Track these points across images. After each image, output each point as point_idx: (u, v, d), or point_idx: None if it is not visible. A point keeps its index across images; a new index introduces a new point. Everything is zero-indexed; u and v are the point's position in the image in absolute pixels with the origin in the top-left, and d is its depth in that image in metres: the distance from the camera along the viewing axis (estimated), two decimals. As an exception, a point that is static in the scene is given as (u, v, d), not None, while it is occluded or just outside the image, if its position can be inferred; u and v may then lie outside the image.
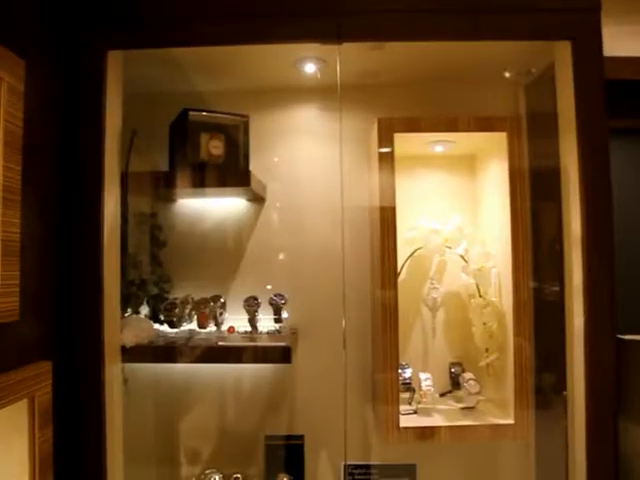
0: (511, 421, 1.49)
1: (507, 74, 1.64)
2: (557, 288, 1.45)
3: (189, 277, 1.72)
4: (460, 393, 1.64)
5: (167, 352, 1.47)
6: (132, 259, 1.67)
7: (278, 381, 1.73)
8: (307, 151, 1.77)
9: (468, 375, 1.57)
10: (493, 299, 1.57)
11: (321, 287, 1.72)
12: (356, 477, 1.71)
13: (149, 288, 1.64)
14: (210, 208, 1.76)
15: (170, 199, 1.74)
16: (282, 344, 1.45)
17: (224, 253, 1.77)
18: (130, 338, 1.44)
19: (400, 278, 1.61)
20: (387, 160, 1.49)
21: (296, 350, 1.71)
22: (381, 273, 1.48)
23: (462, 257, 1.62)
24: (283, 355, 1.42)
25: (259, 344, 1.46)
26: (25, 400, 1.17)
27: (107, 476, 1.43)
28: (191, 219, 1.77)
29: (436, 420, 1.53)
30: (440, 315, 1.70)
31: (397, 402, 1.50)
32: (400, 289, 1.50)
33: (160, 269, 1.71)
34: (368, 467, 1.71)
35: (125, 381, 1.71)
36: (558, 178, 1.39)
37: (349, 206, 1.66)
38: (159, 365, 1.73)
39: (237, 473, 1.63)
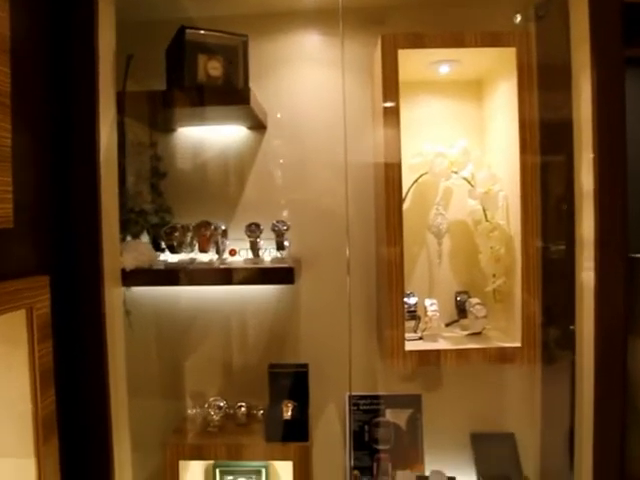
0: (518, 344, 1.46)
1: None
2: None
3: (190, 208, 1.69)
4: (466, 322, 1.62)
5: (168, 275, 1.45)
6: (132, 188, 1.64)
7: (282, 311, 1.71)
8: (309, 79, 1.72)
9: (474, 300, 1.54)
10: (500, 222, 1.52)
11: (324, 217, 1.69)
12: (361, 407, 1.70)
13: (149, 217, 1.61)
14: (210, 138, 1.72)
15: (169, 128, 1.70)
16: (285, 265, 1.42)
17: (225, 184, 1.73)
18: (130, 261, 1.41)
19: (405, 207, 1.57)
20: (392, 114, 1.43)
21: (299, 280, 1.68)
22: (386, 205, 1.44)
23: (468, 181, 1.57)
24: (286, 276, 1.39)
25: (261, 266, 1.43)
26: (23, 312, 1.15)
27: (110, 398, 1.43)
28: (191, 149, 1.73)
29: (442, 345, 1.50)
30: (446, 244, 1.66)
31: (402, 327, 1.47)
32: (405, 218, 1.46)
33: (160, 199, 1.68)
34: (374, 397, 1.70)
35: (128, 313, 1.70)
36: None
37: (352, 134, 1.62)
38: (162, 297, 1.72)
39: (241, 402, 1.61)
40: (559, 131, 1.46)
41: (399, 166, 1.44)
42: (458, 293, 1.65)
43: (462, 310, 1.62)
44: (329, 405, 1.71)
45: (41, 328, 1.18)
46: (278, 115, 1.70)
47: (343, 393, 1.70)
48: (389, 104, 1.44)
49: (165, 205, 1.66)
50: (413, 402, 1.71)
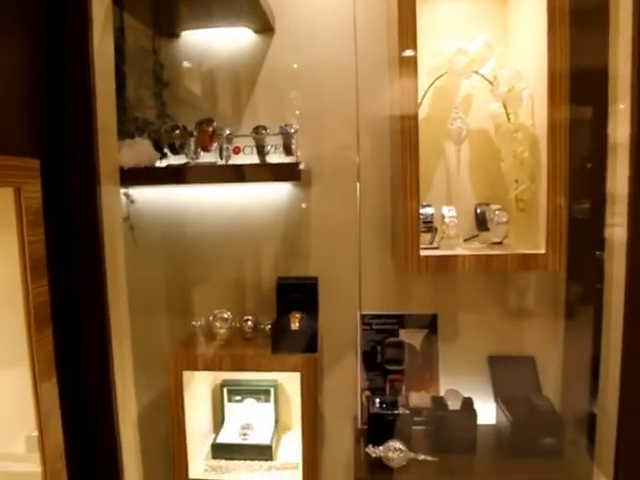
0: (542, 250, 1.36)
1: None
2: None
3: (194, 117, 1.59)
4: (486, 236, 1.51)
5: (169, 173, 1.37)
6: (133, 95, 1.56)
7: (291, 224, 1.63)
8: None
9: (495, 206, 1.44)
10: (525, 122, 1.41)
11: (335, 125, 1.59)
12: (374, 327, 1.62)
13: (151, 122, 1.53)
14: (216, 43, 1.62)
15: (172, 32, 1.61)
16: (291, 161, 1.33)
17: (231, 92, 1.65)
18: (128, 159, 1.34)
19: (422, 115, 1.47)
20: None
21: (309, 191, 1.60)
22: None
23: (489, 81, 1.45)
24: (292, 172, 1.30)
25: (267, 163, 1.34)
26: (11, 198, 1.09)
27: (108, 311, 1.37)
28: (196, 56, 1.64)
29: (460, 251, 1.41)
30: (465, 154, 1.56)
31: (417, 234, 1.38)
32: (422, 128, 1.36)
33: (163, 107, 1.60)
34: (387, 317, 1.62)
35: (132, 228, 1.64)
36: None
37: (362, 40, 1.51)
38: (166, 212, 1.65)
39: (248, 316, 1.54)
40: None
41: (415, 62, 1.33)
42: (478, 205, 1.55)
43: (482, 223, 1.52)
44: (340, 324, 1.63)
45: (31, 213, 1.11)
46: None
47: (355, 312, 1.62)
48: None
49: (167, 112, 1.57)
50: (428, 322, 1.63)
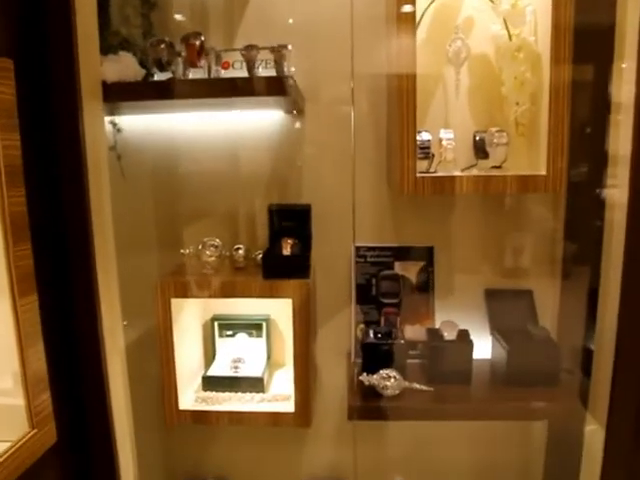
0: (543, 172, 1.31)
1: None
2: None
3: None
4: (485, 164, 1.46)
5: (155, 88, 1.30)
6: (118, 13, 1.48)
7: (283, 150, 1.57)
8: None
9: (494, 129, 1.39)
10: (528, 38, 1.35)
11: (329, 47, 1.52)
12: (368, 259, 1.58)
13: (137, 41, 1.46)
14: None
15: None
16: (279, 75, 1.27)
17: (223, 16, 1.56)
18: (112, 73, 1.28)
19: (420, 37, 1.41)
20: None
21: (303, 117, 1.54)
22: None
23: (491, -1, 1.39)
24: (283, 86, 1.25)
25: (257, 76, 1.28)
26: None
27: (94, 239, 1.32)
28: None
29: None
30: (464, 80, 1.49)
31: (414, 156, 1.33)
32: (420, 50, 1.32)
33: (150, 28, 1.52)
34: (382, 249, 1.58)
35: (118, 158, 1.58)
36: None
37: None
38: (155, 139, 1.59)
39: (239, 244, 1.49)
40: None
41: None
42: (477, 132, 1.49)
43: (481, 150, 1.47)
44: (334, 257, 1.59)
45: (4, 116, 1.05)
46: None
47: (349, 244, 1.57)
48: None
49: (154, 33, 1.50)
50: (424, 254, 1.59)
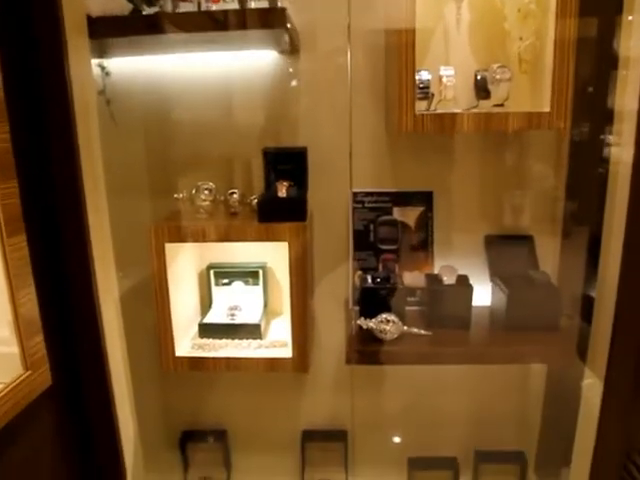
0: (546, 109, 1.27)
1: None
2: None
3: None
4: (486, 104, 1.41)
5: (142, 22, 1.25)
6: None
7: (278, 93, 1.52)
8: None
9: (496, 65, 1.33)
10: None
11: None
12: (366, 205, 1.55)
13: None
14: None
15: None
16: (273, 6, 1.21)
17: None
18: (95, 6, 1.21)
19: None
20: None
21: (298, 57, 1.48)
22: None
23: None
24: (277, 18, 1.19)
25: (249, 8, 1.22)
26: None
27: (85, 186, 1.28)
28: None
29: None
30: (465, 16, 1.43)
31: (413, 92, 1.29)
32: None
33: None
34: (380, 194, 1.54)
35: (108, 102, 1.53)
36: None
37: None
38: (145, 82, 1.53)
39: (233, 189, 1.46)
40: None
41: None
42: (478, 71, 1.44)
43: (482, 89, 1.42)
44: (331, 202, 1.55)
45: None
46: None
47: (346, 189, 1.54)
48: None
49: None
50: (424, 199, 1.56)
